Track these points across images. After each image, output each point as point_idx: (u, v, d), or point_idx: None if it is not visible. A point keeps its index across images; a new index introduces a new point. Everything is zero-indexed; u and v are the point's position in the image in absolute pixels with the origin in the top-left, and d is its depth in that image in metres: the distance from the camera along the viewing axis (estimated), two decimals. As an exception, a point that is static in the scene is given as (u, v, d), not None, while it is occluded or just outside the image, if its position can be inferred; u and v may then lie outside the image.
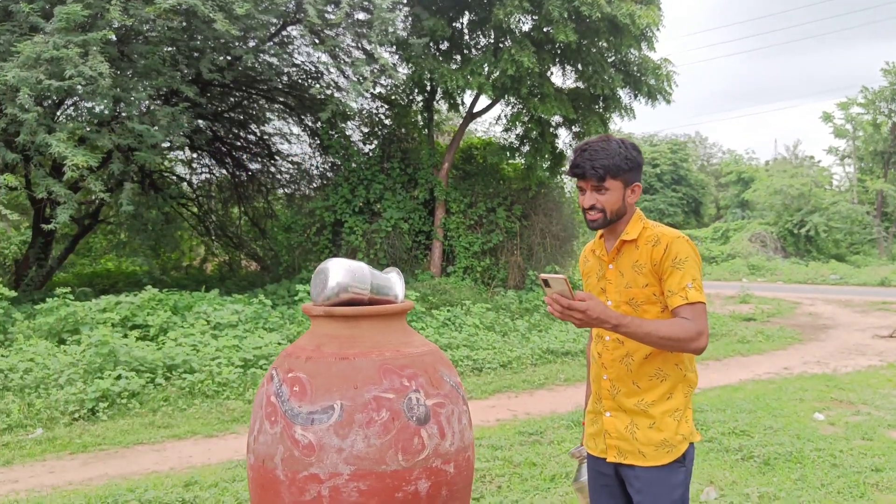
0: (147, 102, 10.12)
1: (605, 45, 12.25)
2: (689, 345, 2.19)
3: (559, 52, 12.56)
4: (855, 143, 34.71)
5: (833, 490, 4.48)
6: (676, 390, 2.36)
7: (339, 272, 2.67)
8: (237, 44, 10.74)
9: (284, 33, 12.63)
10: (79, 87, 8.62)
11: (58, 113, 11.56)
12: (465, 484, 2.60)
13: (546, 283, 2.12)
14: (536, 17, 11.92)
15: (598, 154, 2.30)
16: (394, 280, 2.84)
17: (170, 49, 10.53)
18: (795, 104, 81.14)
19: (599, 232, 2.49)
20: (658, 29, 12.21)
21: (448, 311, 10.36)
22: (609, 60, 12.68)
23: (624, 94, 13.14)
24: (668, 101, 13.10)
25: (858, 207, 31.34)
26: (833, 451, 5.25)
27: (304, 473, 2.37)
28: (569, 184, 14.94)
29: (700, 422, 6.00)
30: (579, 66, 12.76)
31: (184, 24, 10.26)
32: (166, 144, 11.84)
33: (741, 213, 37.03)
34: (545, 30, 11.76)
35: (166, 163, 16.19)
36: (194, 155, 16.61)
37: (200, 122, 13.80)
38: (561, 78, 13.63)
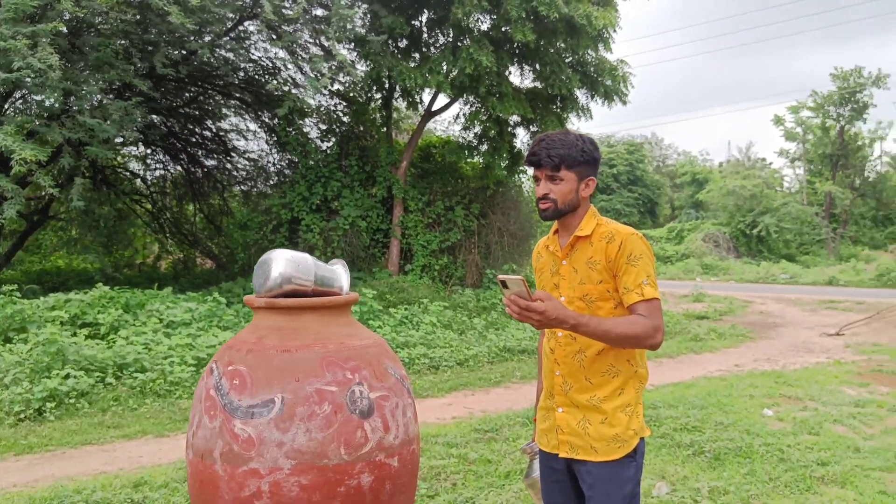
0: (99, 96, 9.91)
1: (562, 45, 12.34)
2: (646, 341, 2.21)
3: (517, 51, 12.62)
4: (805, 146, 35.52)
5: (781, 484, 4.58)
6: (628, 386, 2.38)
7: (282, 263, 2.63)
8: (192, 38, 10.58)
9: (241, 28, 12.48)
10: (27, 79, 8.41)
11: (5, 105, 11.27)
12: (409, 478, 2.58)
13: (503, 284, 2.12)
14: (495, 17, 11.95)
15: (554, 144, 2.33)
16: (339, 272, 2.80)
17: (123, 42, 10.32)
18: (748, 107, 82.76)
19: (553, 227, 2.51)
20: (615, 30, 12.35)
21: (405, 309, 10.35)
22: (567, 61, 12.78)
23: (581, 95, 13.27)
24: (625, 102, 13.25)
25: (808, 209, 32.10)
26: (781, 445, 5.36)
27: (244, 468, 2.34)
28: (527, 183, 15.04)
29: (652, 418, 6.09)
30: (537, 66, 12.84)
31: (137, 16, 10.08)
32: (119, 140, 11.63)
33: (695, 213, 37.69)
34: (504, 29, 11.81)
35: (119, 158, 15.90)
36: (148, 151, 16.34)
37: (154, 117, 13.57)
38: (519, 77, 13.72)
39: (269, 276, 2.62)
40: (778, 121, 35.63)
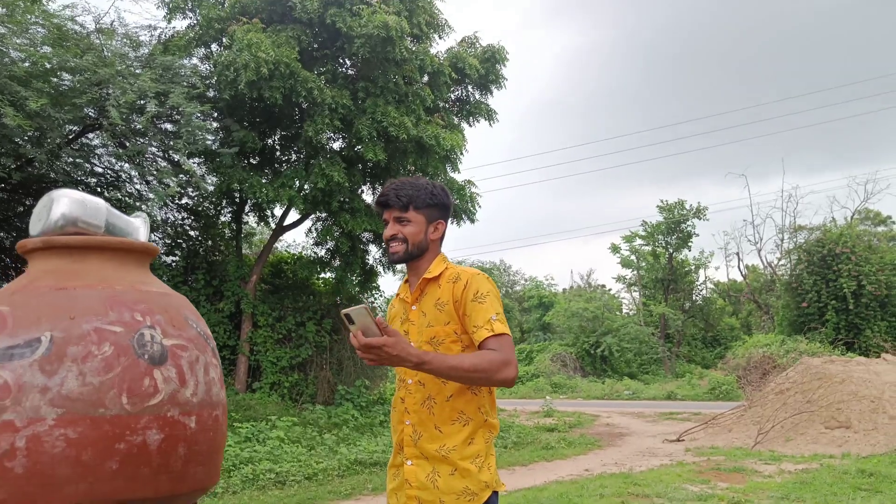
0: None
1: (412, 166, 12.81)
2: (497, 375, 2.17)
3: (369, 170, 12.97)
4: (639, 273, 38.06)
5: (631, 570, 4.59)
6: (478, 435, 2.34)
7: (66, 202, 2.20)
8: (29, 145, 10.12)
9: (85, 140, 12.09)
10: None
11: None
12: (211, 448, 2.18)
13: (348, 318, 2.04)
14: (347, 136, 12.30)
15: (404, 185, 2.39)
16: (137, 224, 2.42)
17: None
18: (587, 235, 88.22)
19: (405, 277, 2.53)
20: (462, 153, 13.01)
21: (252, 425, 9.85)
22: (417, 180, 13.22)
23: (431, 213, 13.66)
24: (473, 221, 13.75)
25: (645, 329, 33.99)
26: (630, 536, 5.42)
27: None
28: (380, 299, 15.08)
29: (507, 518, 6.01)
30: (388, 185, 13.18)
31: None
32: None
33: (543, 335, 38.92)
34: (356, 148, 12.14)
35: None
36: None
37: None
38: (371, 195, 14.01)
39: (48, 216, 2.18)
40: (614, 249, 38.19)
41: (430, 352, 2.19)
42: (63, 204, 2.19)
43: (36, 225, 2.22)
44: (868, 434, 10.80)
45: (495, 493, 2.34)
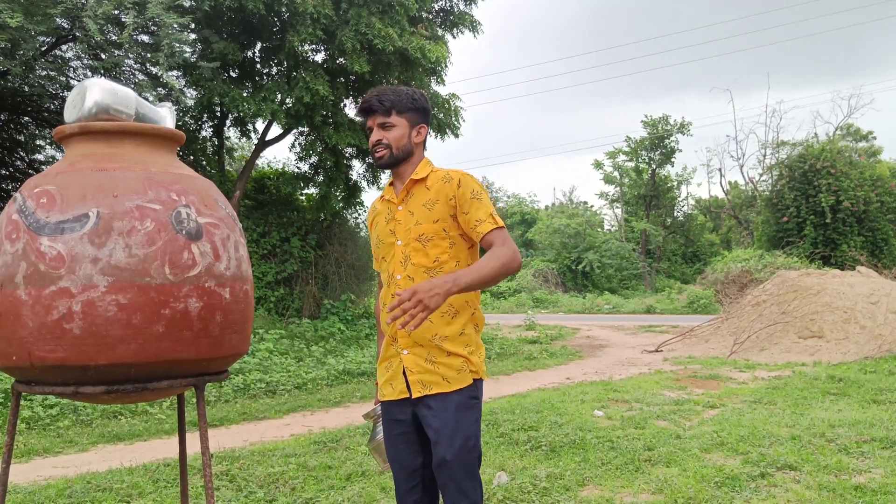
0: None
1: (396, 79, 12.62)
2: (513, 266, 2.30)
3: (353, 83, 12.76)
4: (621, 189, 38.16)
5: (612, 467, 4.81)
6: (468, 327, 2.46)
7: (98, 91, 2.35)
8: (1, 58, 9.85)
9: (58, 52, 11.76)
10: None
11: None
12: (243, 318, 2.41)
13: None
14: (329, 48, 12.05)
15: (385, 92, 2.46)
16: (164, 113, 2.57)
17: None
18: (570, 151, 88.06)
19: (389, 180, 2.59)
20: (446, 65, 12.80)
21: (240, 338, 10.00)
22: (400, 93, 13.03)
23: (414, 127, 13.53)
24: (457, 135, 13.66)
25: (626, 245, 34.36)
26: (611, 437, 5.65)
27: (52, 288, 2.07)
28: (363, 214, 15.10)
29: (491, 422, 6.22)
30: (372, 99, 12.99)
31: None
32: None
33: (526, 251, 39.25)
34: (339, 61, 11.92)
35: None
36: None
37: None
38: (354, 110, 13.83)
39: (82, 104, 2.33)
40: (598, 165, 38.13)
41: (455, 271, 2.29)
42: (95, 92, 2.33)
43: (71, 112, 2.36)
44: (839, 343, 11.15)
45: (482, 380, 2.49)
